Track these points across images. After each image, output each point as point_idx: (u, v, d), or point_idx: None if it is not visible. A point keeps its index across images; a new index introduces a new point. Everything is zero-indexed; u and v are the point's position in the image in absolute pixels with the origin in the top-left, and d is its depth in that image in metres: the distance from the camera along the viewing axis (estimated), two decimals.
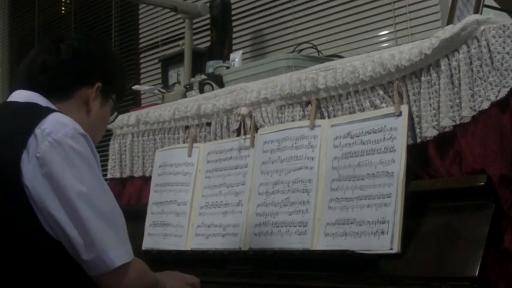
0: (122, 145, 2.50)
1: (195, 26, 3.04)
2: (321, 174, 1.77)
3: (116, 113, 1.67)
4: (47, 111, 1.41)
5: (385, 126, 1.67)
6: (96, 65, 1.55)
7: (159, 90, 2.76)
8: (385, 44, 2.55)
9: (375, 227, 1.59)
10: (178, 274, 1.63)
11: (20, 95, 1.50)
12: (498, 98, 1.47)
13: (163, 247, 2.12)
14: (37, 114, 1.39)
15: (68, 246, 1.34)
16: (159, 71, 3.24)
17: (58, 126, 1.36)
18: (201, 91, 2.41)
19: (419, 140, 1.65)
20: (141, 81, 3.66)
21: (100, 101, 1.56)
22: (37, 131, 1.34)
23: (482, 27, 1.50)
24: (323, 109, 1.86)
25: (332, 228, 1.69)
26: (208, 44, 3.00)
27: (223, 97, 2.15)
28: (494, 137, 1.48)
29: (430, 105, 1.61)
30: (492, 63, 1.48)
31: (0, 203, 1.33)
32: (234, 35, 2.92)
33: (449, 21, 1.81)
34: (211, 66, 2.63)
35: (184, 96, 2.53)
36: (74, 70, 1.51)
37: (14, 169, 1.32)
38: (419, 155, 1.66)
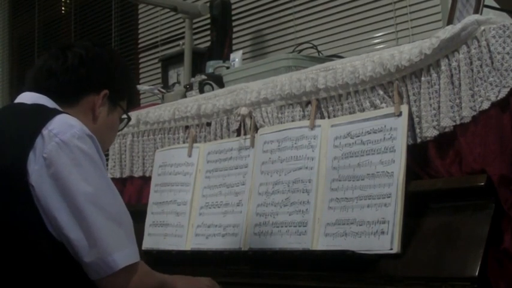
0: (122, 145, 2.51)
1: (195, 26, 3.04)
2: (321, 174, 1.77)
3: (125, 120, 1.67)
4: (54, 112, 1.42)
5: (385, 126, 1.67)
6: (103, 73, 1.55)
7: (159, 90, 2.76)
8: (386, 44, 2.55)
9: (375, 227, 1.59)
10: (194, 278, 1.62)
11: (27, 97, 1.50)
12: (498, 98, 1.47)
13: (163, 247, 2.12)
14: (44, 115, 1.40)
15: (70, 248, 1.33)
16: (159, 71, 3.24)
17: (65, 127, 1.36)
18: (201, 91, 2.41)
19: (419, 140, 1.65)
20: (141, 81, 3.66)
21: (107, 108, 1.56)
22: (44, 131, 1.35)
23: (482, 28, 1.50)
24: (323, 109, 1.86)
25: (332, 228, 1.69)
26: (208, 44, 3.00)
27: (223, 97, 2.15)
28: (494, 137, 1.48)
29: (430, 105, 1.61)
30: (492, 63, 1.48)
31: (5, 203, 1.33)
32: (234, 35, 2.92)
33: (450, 21, 1.81)
34: (211, 66, 2.63)
35: (184, 96, 2.53)
36: (80, 77, 1.52)
37: (21, 169, 1.32)
38: (419, 155, 1.66)
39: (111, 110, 1.58)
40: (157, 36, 3.65)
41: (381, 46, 2.53)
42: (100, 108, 1.54)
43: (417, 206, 1.58)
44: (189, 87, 2.55)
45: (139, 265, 1.41)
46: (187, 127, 2.28)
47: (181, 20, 3.15)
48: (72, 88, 1.51)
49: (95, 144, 1.40)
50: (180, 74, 2.89)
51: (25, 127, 1.39)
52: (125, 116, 1.65)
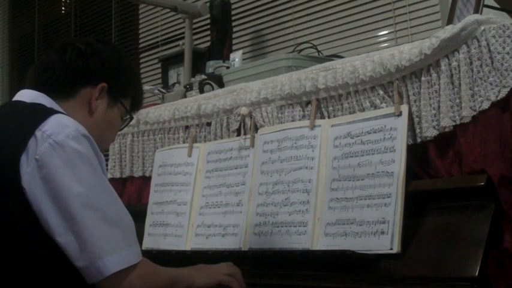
0: (122, 145, 2.51)
1: (195, 26, 3.04)
2: (321, 174, 1.77)
3: (127, 120, 1.63)
4: (49, 112, 1.39)
5: (385, 126, 1.67)
6: (101, 66, 1.52)
7: (159, 90, 2.76)
8: (385, 44, 2.55)
9: (375, 227, 1.59)
10: (212, 266, 1.57)
11: (26, 95, 1.48)
12: (498, 98, 1.47)
13: (163, 247, 2.12)
14: (39, 115, 1.37)
15: (64, 252, 1.30)
16: (159, 71, 3.24)
17: (59, 128, 1.33)
18: (201, 91, 2.41)
19: (419, 140, 1.65)
20: (142, 81, 3.65)
21: (106, 103, 1.53)
22: (37, 133, 1.32)
23: (482, 27, 1.50)
24: (323, 109, 1.86)
25: (332, 228, 1.69)
26: (208, 44, 3.00)
27: (223, 97, 2.15)
28: (494, 137, 1.48)
29: (430, 105, 1.61)
30: (492, 63, 1.48)
31: (1, 207, 1.30)
32: (234, 35, 2.92)
33: (449, 21, 1.81)
34: (211, 66, 2.63)
35: (184, 96, 2.53)
36: (76, 69, 1.49)
37: (13, 172, 1.29)
38: (419, 155, 1.66)
39: (111, 106, 1.54)
40: (157, 37, 3.66)
41: (381, 46, 2.53)
42: (97, 101, 1.51)
43: (417, 206, 1.58)
44: (189, 87, 2.55)
45: (142, 265, 1.36)
46: (187, 127, 2.28)
47: (181, 20, 3.15)
48: (68, 80, 1.49)
49: (92, 144, 1.36)
50: (180, 74, 2.89)
51: (18, 128, 1.36)
52: (127, 115, 1.62)
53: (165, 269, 1.45)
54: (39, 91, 1.48)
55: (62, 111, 1.45)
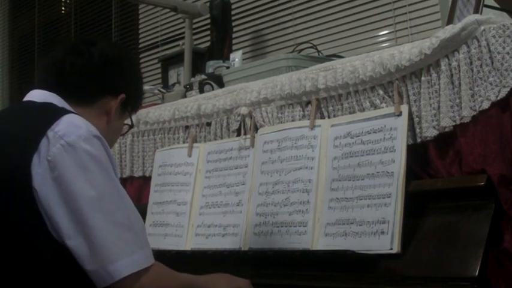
0: (122, 145, 2.51)
1: (195, 26, 3.05)
2: (321, 174, 1.77)
3: (127, 126, 1.63)
4: (61, 112, 1.38)
5: (385, 126, 1.67)
6: (123, 76, 1.52)
7: (159, 90, 2.76)
8: (385, 44, 2.55)
9: (375, 227, 1.59)
10: (229, 276, 1.55)
11: (36, 95, 1.47)
12: (498, 98, 1.47)
13: (163, 247, 2.12)
14: (51, 115, 1.36)
15: (74, 255, 1.29)
16: (159, 71, 3.24)
17: (71, 128, 1.32)
18: (201, 91, 2.42)
19: (419, 140, 1.65)
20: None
21: (119, 112, 1.53)
22: (49, 133, 1.31)
23: (482, 27, 1.50)
24: (323, 109, 1.86)
25: (332, 228, 1.69)
26: (208, 44, 3.00)
27: (223, 97, 2.15)
28: (494, 137, 1.48)
29: (430, 105, 1.61)
30: (492, 63, 1.48)
31: (8, 207, 1.29)
32: (234, 35, 2.92)
33: (449, 21, 1.81)
34: (211, 66, 2.63)
35: (184, 96, 2.54)
36: (103, 78, 1.48)
37: (24, 172, 1.28)
38: (419, 155, 1.66)
39: (121, 115, 1.55)
40: (157, 36, 3.66)
41: (381, 46, 2.53)
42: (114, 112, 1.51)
43: (417, 206, 1.58)
44: (189, 87, 2.55)
45: (155, 268, 1.35)
46: (187, 127, 2.28)
47: (181, 20, 3.15)
48: (93, 89, 1.48)
49: (103, 145, 1.35)
50: (180, 74, 2.89)
51: (30, 128, 1.35)
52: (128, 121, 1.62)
53: (180, 274, 1.43)
54: (53, 92, 1.45)
55: (73, 111, 1.43)
